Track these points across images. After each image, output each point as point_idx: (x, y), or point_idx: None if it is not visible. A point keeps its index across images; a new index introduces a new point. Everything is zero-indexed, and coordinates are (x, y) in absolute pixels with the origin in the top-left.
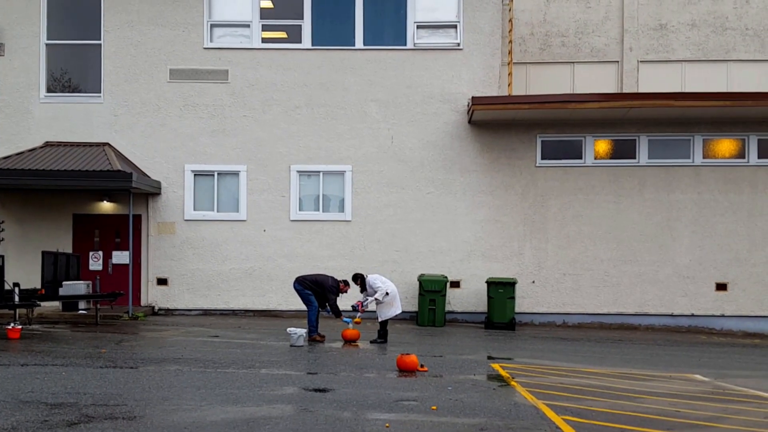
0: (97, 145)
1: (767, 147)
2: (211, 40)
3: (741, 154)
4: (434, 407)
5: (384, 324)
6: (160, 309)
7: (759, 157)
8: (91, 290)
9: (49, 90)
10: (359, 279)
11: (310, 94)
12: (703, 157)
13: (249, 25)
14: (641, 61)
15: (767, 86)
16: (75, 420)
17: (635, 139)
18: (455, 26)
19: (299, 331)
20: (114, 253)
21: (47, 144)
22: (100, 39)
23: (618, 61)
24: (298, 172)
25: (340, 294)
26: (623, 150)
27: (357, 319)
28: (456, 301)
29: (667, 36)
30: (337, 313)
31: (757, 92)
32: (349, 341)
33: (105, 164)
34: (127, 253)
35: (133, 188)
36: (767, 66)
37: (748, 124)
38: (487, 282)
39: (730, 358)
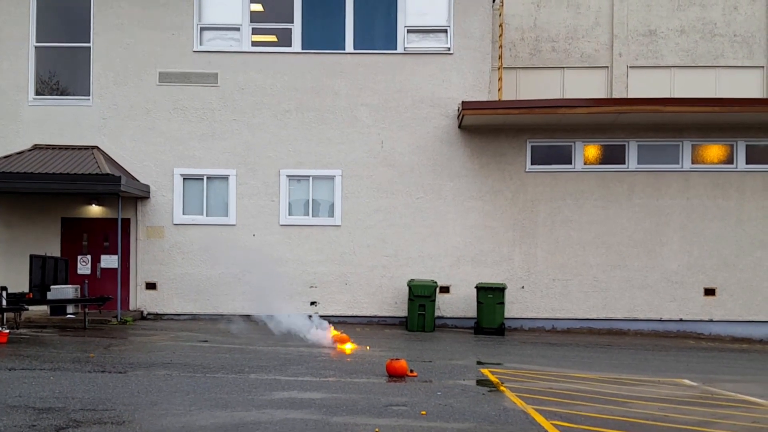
0: (86, 148)
1: (755, 153)
2: (200, 44)
3: (729, 159)
4: (424, 412)
5: None
6: (148, 313)
7: (747, 163)
8: (80, 294)
9: (37, 93)
10: None
11: (300, 98)
12: (692, 163)
13: (239, 29)
14: (631, 67)
15: (755, 92)
16: (63, 425)
17: (624, 145)
18: (446, 31)
19: None
20: (102, 257)
21: (36, 147)
22: (89, 42)
23: (608, 67)
24: (287, 176)
25: None
26: (613, 155)
27: None
28: (446, 306)
29: (657, 42)
30: None
31: (746, 98)
32: (339, 346)
33: (94, 168)
34: (115, 257)
35: (121, 192)
36: (755, 72)
37: (737, 130)
38: (476, 287)
39: (718, 362)
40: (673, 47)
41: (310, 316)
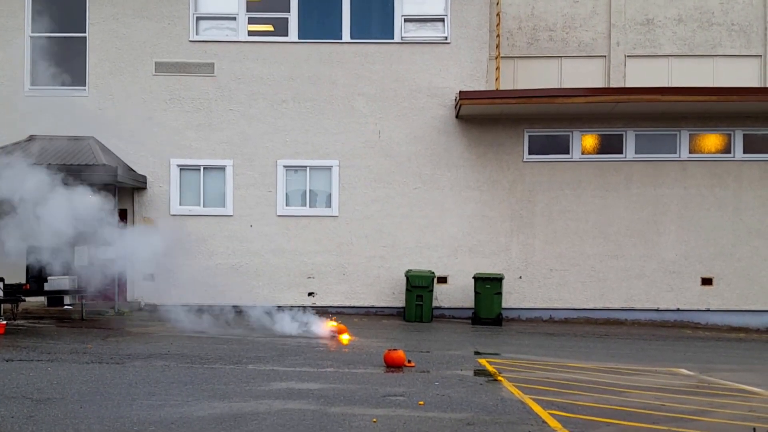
0: (82, 138)
1: (753, 142)
2: (197, 33)
3: (727, 148)
4: (421, 402)
5: None
6: (146, 304)
7: (744, 152)
8: (77, 285)
9: (33, 83)
10: None
11: (296, 88)
12: (690, 152)
13: (235, 18)
14: (628, 56)
15: (753, 81)
16: (61, 415)
17: (622, 134)
18: (443, 20)
19: None
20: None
21: (32, 137)
22: (85, 31)
23: (605, 56)
24: (284, 166)
25: None
26: (610, 145)
27: None
28: (443, 296)
29: (654, 31)
30: None
31: (743, 87)
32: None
33: (90, 158)
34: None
35: (118, 183)
36: (753, 61)
37: (734, 119)
38: (474, 277)
39: (715, 352)
40: (671, 36)
41: (304, 308)
